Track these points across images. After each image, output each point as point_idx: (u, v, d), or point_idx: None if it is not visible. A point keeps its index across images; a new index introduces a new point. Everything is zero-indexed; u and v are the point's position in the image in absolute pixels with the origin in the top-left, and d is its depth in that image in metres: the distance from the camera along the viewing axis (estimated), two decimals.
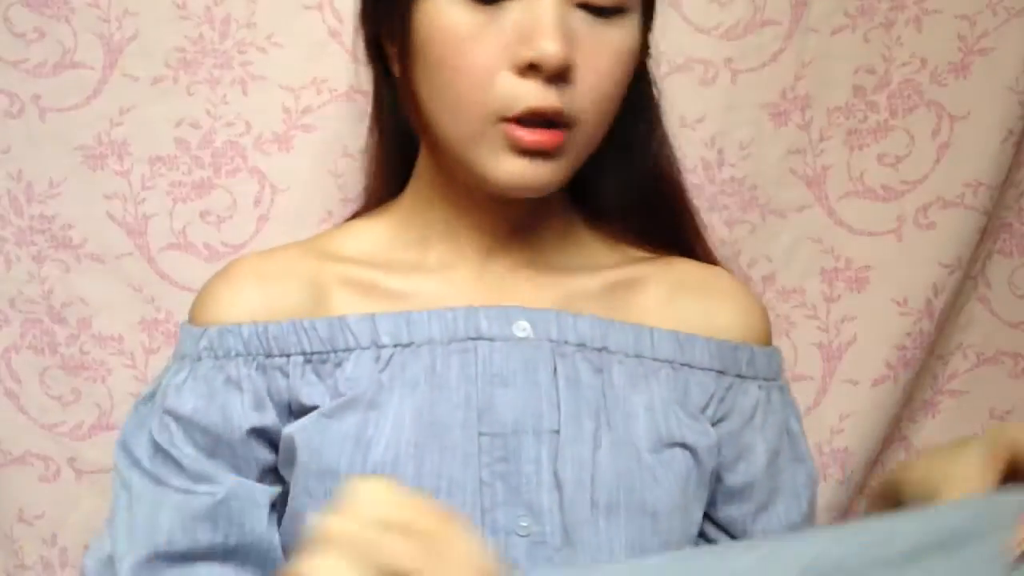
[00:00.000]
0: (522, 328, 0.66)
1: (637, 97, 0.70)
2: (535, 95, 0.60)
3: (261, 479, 0.66)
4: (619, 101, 0.65)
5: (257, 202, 0.94)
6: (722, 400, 0.69)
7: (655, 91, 0.74)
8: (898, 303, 0.97)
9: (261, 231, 0.94)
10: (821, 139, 0.97)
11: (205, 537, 0.63)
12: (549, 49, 0.58)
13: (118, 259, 0.93)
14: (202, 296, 0.69)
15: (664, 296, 0.72)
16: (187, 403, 0.64)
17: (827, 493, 0.98)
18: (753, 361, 0.71)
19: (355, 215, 0.79)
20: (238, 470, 0.65)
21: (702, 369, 0.69)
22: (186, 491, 0.63)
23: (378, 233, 0.72)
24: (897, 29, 0.96)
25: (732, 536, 0.70)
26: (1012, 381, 1.02)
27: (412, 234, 0.71)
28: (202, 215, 0.94)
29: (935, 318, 0.97)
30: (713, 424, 0.68)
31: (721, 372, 0.69)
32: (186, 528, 0.62)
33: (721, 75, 0.95)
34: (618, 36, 0.62)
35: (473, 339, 0.65)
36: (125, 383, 0.95)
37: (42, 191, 0.92)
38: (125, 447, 0.66)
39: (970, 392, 1.02)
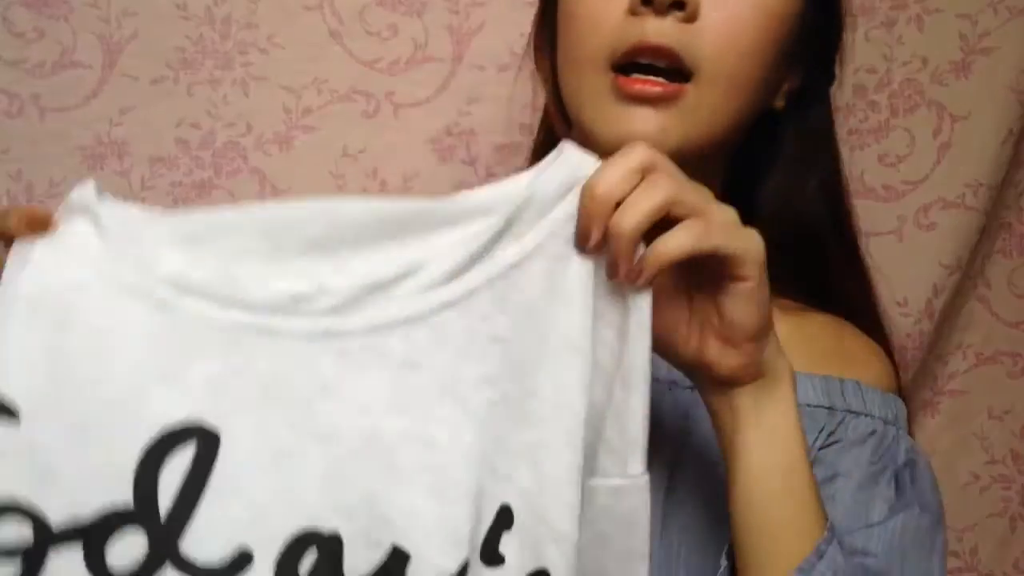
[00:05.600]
0: None
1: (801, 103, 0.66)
2: (647, 28, 0.55)
3: None
4: (756, 62, 0.58)
5: (258, 202, 0.94)
6: (831, 433, 0.63)
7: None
8: (898, 303, 0.97)
9: None
10: None
11: None
12: None
13: None
14: None
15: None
16: None
17: None
18: (862, 397, 0.65)
19: None
20: None
21: (810, 407, 0.62)
22: None
23: None
24: (898, 28, 0.96)
25: None
26: (1011, 381, 1.02)
27: None
28: None
29: (935, 318, 0.97)
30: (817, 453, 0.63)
31: (831, 408, 0.64)
32: None
33: None
34: None
35: None
36: None
37: (42, 191, 0.92)
38: None
39: (969, 392, 1.02)
